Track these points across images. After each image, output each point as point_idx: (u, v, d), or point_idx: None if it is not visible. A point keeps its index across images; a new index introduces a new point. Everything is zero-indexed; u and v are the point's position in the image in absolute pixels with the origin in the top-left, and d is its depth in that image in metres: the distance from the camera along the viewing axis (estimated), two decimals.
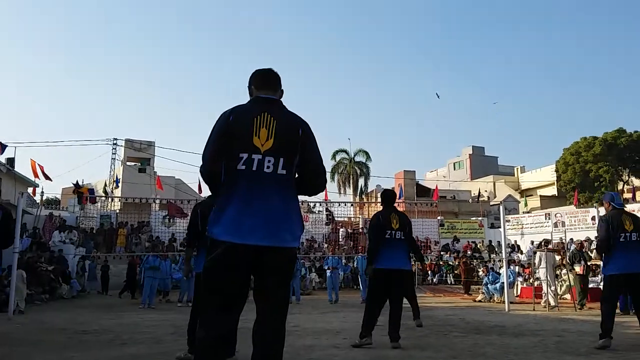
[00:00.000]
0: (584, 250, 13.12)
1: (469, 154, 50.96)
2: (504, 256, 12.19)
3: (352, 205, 28.13)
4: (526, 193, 41.46)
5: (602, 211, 15.63)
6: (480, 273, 16.72)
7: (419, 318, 7.91)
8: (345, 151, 38.39)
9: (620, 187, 34.34)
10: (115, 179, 30.95)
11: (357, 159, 38.23)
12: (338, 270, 15.27)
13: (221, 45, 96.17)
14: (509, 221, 22.57)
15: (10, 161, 22.71)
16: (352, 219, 27.30)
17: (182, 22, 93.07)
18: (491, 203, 34.67)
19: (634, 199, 23.88)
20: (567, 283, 12.52)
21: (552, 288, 11.87)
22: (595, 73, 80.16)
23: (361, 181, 38.21)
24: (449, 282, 20.26)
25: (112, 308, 11.89)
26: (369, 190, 38.71)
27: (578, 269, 11.88)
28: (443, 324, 8.31)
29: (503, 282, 12.11)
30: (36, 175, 20.12)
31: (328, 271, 14.69)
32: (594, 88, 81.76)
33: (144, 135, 66.93)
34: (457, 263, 20.22)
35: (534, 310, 10.96)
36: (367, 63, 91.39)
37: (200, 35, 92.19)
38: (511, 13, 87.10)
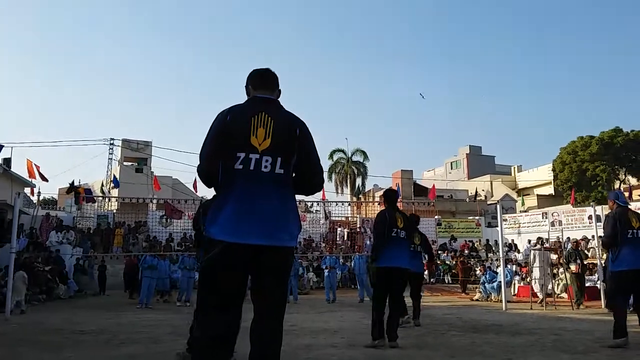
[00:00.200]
0: (579, 249, 13.16)
1: (466, 154, 51.07)
2: (501, 255, 12.23)
3: (349, 204, 28.16)
4: (523, 192, 41.56)
5: (599, 210, 15.76)
6: (478, 272, 16.77)
7: (419, 318, 7.92)
8: (342, 151, 38.48)
9: (616, 186, 34.43)
10: (112, 179, 30.89)
11: (355, 158, 38.33)
12: (336, 270, 15.30)
13: (219, 45, 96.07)
14: (506, 220, 22.60)
15: (7, 161, 22.64)
16: (349, 218, 27.32)
17: (180, 21, 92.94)
18: (488, 202, 34.74)
19: (630, 197, 23.97)
20: (564, 282, 12.55)
21: (550, 286, 11.92)
22: (592, 72, 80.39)
23: (358, 181, 38.33)
24: (446, 281, 20.28)
25: (110, 308, 11.87)
26: (366, 190, 38.77)
27: (574, 267, 11.93)
28: (440, 323, 8.32)
29: (500, 281, 12.15)
30: (33, 176, 20.05)
31: (326, 271, 14.72)
32: (590, 87, 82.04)
33: (141, 135, 66.92)
34: (454, 262, 20.25)
35: (531, 309, 10.99)
36: (365, 63, 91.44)
37: (198, 35, 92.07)
38: (508, 12, 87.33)
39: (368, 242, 21.46)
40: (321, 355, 5.27)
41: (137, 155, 36.93)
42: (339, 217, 25.52)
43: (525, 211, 29.23)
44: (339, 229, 24.18)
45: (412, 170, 38.12)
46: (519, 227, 23.82)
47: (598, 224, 14.27)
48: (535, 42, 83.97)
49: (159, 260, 12.94)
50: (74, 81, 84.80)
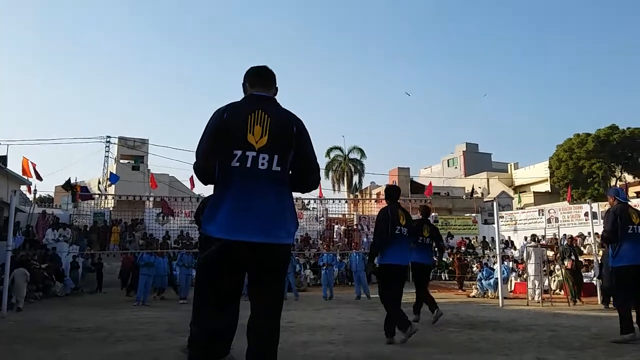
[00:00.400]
0: (574, 245, 13.20)
1: (463, 151, 51.16)
2: (497, 252, 12.26)
3: (346, 202, 28.15)
4: (520, 189, 41.66)
5: (595, 207, 15.83)
6: (474, 269, 16.79)
7: (419, 314, 7.94)
8: (339, 148, 38.44)
9: (613, 183, 34.54)
10: (110, 175, 30.80)
11: (352, 156, 38.29)
12: (333, 267, 15.31)
13: (216, 44, 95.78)
14: (502, 217, 22.65)
15: (3, 159, 22.56)
16: (346, 215, 27.32)
17: (180, 21, 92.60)
18: (485, 199, 34.80)
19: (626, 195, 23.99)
20: (559, 278, 12.59)
21: (545, 283, 11.94)
22: (589, 70, 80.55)
23: (355, 178, 38.31)
24: (443, 278, 20.31)
25: (106, 306, 11.85)
26: (363, 187, 38.79)
27: (568, 264, 11.97)
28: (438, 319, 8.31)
29: (497, 278, 12.17)
30: (28, 174, 19.96)
31: (323, 268, 14.73)
32: (587, 85, 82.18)
33: (137, 133, 66.70)
34: (451, 259, 20.28)
35: (527, 305, 11.03)
36: (362, 60, 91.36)
37: (195, 34, 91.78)
38: (507, 11, 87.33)
39: (365, 240, 21.49)
40: (318, 352, 5.28)
41: (133, 152, 36.80)
42: (336, 214, 25.51)
43: (521, 208, 29.26)
44: (336, 227, 24.20)
45: (409, 168, 38.14)
46: (515, 224, 23.86)
47: (594, 220, 14.34)
48: (535, 42, 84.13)
49: (156, 258, 12.91)
50: (73, 81, 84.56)
